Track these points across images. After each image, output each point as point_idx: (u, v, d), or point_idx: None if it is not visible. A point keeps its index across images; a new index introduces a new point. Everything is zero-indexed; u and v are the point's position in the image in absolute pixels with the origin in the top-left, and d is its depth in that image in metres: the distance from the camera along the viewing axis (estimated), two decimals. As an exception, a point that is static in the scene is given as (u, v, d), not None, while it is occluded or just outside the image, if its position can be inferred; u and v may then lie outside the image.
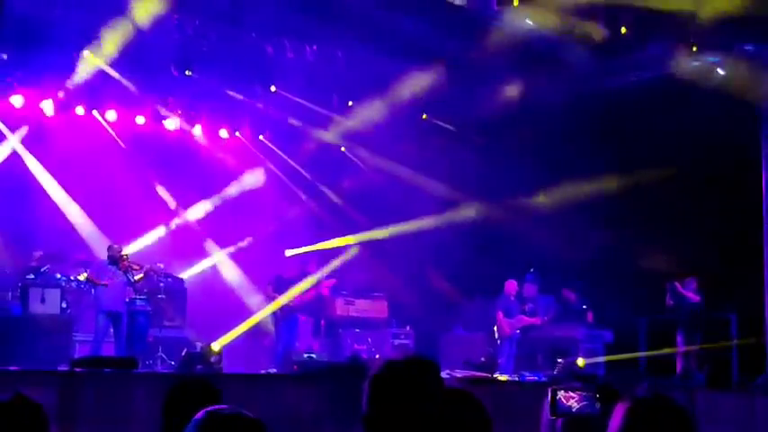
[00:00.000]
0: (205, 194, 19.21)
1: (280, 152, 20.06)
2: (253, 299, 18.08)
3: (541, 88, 16.99)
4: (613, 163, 17.18)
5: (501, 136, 18.51)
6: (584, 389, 4.09)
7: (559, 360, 16.05)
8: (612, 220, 16.78)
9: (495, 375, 14.59)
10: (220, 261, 19.20)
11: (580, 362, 16.06)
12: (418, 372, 3.09)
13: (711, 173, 16.21)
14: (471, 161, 18.64)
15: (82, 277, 15.68)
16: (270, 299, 16.79)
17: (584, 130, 16.88)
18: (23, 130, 17.18)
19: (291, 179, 20.17)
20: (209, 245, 19.20)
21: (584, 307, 17.42)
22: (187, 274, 18.00)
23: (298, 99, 18.48)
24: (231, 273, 19.06)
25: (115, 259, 14.57)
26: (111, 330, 14.36)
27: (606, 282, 16.61)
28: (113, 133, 18.08)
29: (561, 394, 4.05)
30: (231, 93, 18.15)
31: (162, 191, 18.75)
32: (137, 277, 14.68)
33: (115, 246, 14.89)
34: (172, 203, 18.88)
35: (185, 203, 19.09)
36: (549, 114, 17.02)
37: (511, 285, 17.23)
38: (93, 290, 14.66)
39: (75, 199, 17.54)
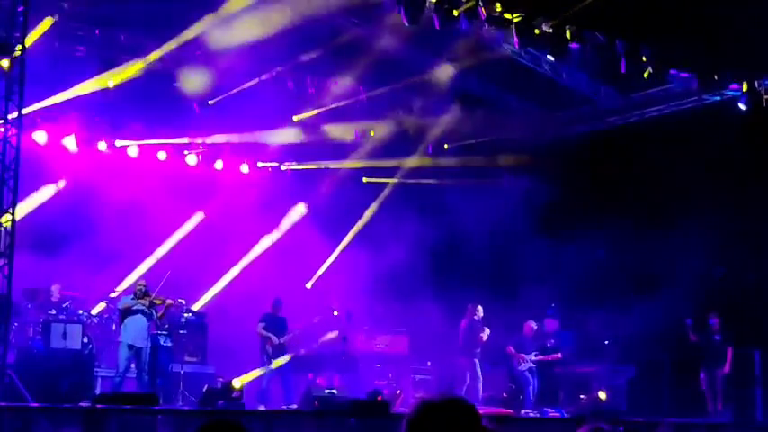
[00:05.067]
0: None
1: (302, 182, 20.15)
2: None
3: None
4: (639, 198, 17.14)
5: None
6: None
7: (582, 396, 15.89)
8: (635, 255, 16.69)
9: (517, 412, 14.45)
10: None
11: (602, 395, 15.88)
12: (458, 415, 3.01)
13: (736, 207, 16.09)
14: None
15: (96, 310, 15.70)
16: (261, 337, 16.09)
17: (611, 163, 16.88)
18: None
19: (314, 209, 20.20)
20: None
21: (606, 342, 17.24)
22: (202, 303, 18.05)
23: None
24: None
25: (139, 294, 14.59)
26: (133, 365, 14.35)
27: (629, 316, 16.46)
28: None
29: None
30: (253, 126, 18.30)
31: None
32: (159, 314, 14.69)
33: (141, 281, 14.93)
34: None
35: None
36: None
37: (528, 327, 17.06)
38: (114, 325, 14.63)
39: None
